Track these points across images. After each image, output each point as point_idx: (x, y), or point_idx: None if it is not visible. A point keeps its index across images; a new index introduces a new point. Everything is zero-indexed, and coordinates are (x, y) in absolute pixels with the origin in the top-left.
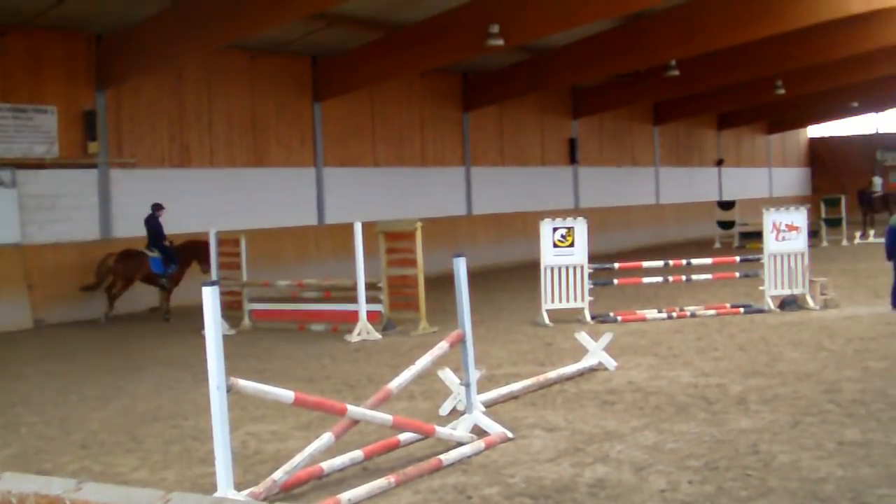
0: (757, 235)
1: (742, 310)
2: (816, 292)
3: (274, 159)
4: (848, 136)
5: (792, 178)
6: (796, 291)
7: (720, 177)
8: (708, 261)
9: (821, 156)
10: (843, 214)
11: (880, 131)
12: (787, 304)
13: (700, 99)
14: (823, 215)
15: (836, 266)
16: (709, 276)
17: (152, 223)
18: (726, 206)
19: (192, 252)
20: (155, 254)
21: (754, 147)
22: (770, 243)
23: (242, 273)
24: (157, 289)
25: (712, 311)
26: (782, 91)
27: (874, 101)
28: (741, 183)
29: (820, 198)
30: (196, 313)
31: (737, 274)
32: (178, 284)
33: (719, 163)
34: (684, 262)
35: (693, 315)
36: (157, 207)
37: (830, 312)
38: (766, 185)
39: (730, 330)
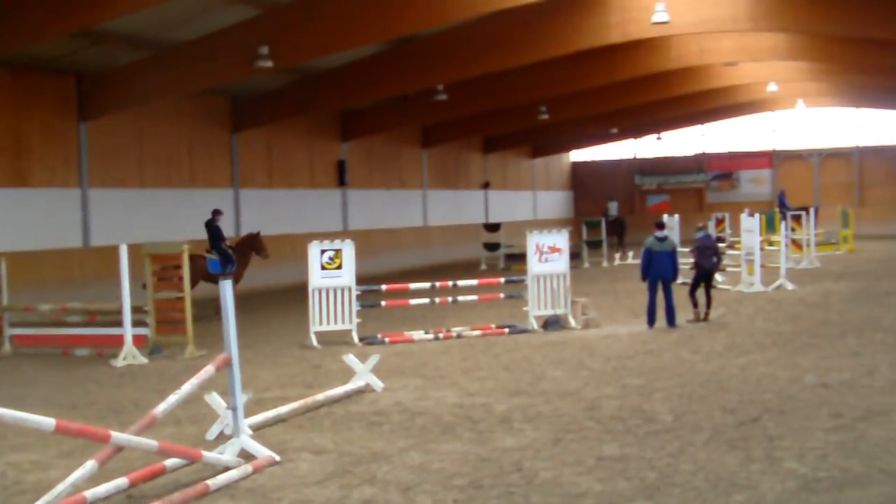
0: (521, 257)
1: (507, 330)
2: (578, 312)
3: (37, 180)
4: (608, 161)
5: (555, 201)
6: (559, 312)
7: (486, 199)
8: (474, 282)
9: (583, 179)
10: (604, 236)
11: (638, 156)
12: (550, 324)
13: (467, 122)
14: (585, 237)
15: (596, 287)
16: (475, 297)
17: (211, 227)
18: (492, 228)
19: (248, 245)
20: (213, 255)
21: (520, 170)
22: (533, 265)
23: (3, 296)
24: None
25: (478, 332)
26: (546, 116)
27: (632, 128)
28: (507, 205)
29: (582, 220)
30: None
31: (502, 295)
32: (240, 281)
33: (485, 186)
34: (451, 283)
35: (459, 336)
36: (215, 213)
37: (591, 332)
38: (531, 207)
39: (495, 350)
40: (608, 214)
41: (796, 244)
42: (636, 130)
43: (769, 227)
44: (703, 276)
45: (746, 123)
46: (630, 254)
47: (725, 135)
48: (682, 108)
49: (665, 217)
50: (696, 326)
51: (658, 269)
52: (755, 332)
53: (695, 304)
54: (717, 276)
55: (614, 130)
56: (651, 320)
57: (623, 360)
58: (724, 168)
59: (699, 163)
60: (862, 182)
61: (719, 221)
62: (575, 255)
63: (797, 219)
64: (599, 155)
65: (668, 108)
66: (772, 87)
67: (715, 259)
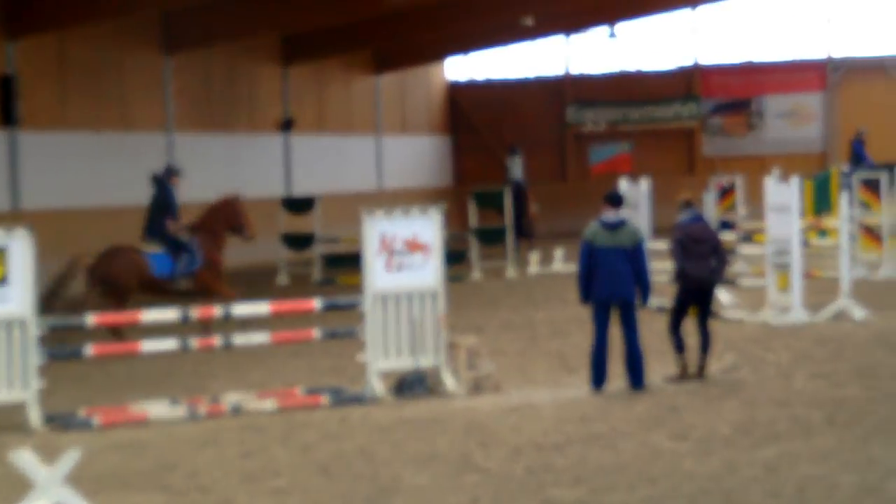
0: (353, 261)
1: (327, 398)
2: (461, 364)
3: None
4: (517, 81)
5: (419, 156)
6: (424, 363)
7: (288, 152)
8: (264, 308)
9: (470, 115)
10: (510, 221)
11: (573, 72)
12: (407, 385)
13: (249, 6)
14: (474, 224)
15: (496, 315)
16: (266, 336)
17: (162, 194)
18: (299, 206)
19: (220, 221)
20: (153, 248)
21: (351, 97)
22: (376, 275)
23: None
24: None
25: (272, 404)
26: None
27: (561, 15)
28: (327, 164)
29: (469, 192)
30: None
31: (317, 333)
32: (214, 287)
33: (287, 126)
34: (220, 312)
35: (237, 410)
36: (170, 172)
37: (486, 401)
38: (373, 167)
39: (304, 437)
40: (509, 178)
41: (871, 235)
42: (568, 20)
43: (821, 202)
44: (695, 296)
45: (775, 6)
46: (559, 255)
47: (735, 30)
48: None
49: (623, 184)
50: (684, 389)
51: (609, 282)
52: (793, 399)
53: (679, 348)
54: (722, 295)
55: (528, 22)
56: (599, 378)
57: (546, 455)
58: (734, 92)
59: (687, 82)
60: None
61: (725, 193)
62: (456, 257)
63: (871, 187)
64: (500, 69)
65: None
66: None
67: (715, 262)
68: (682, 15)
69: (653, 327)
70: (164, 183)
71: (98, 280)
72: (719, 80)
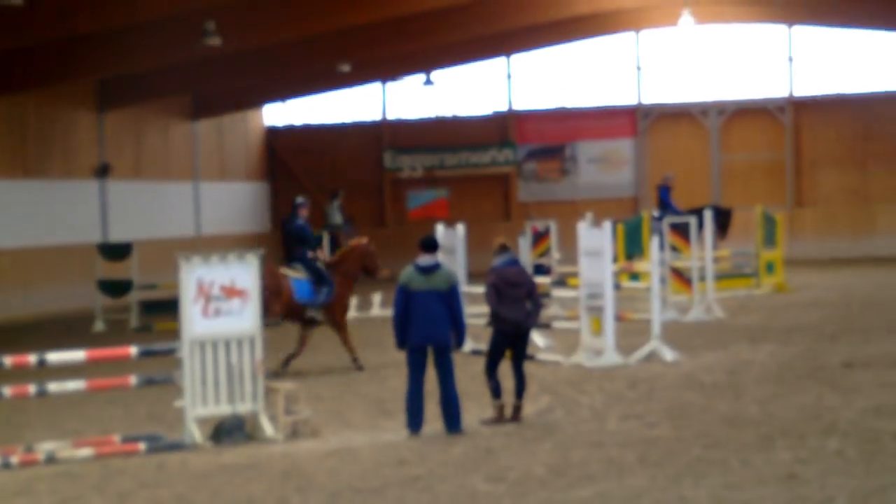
0: (170, 306)
1: (144, 446)
2: (279, 410)
3: None
4: (336, 126)
5: (236, 201)
6: (242, 409)
7: (104, 198)
8: (79, 355)
9: (289, 160)
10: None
11: (391, 118)
12: (225, 431)
13: (62, 51)
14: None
15: (315, 361)
16: (81, 383)
17: (293, 227)
18: (116, 252)
19: (357, 262)
20: (298, 272)
21: (168, 143)
22: (194, 321)
23: None
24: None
25: (88, 452)
26: (217, 41)
27: (378, 63)
28: (144, 209)
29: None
30: None
31: (133, 380)
32: (344, 316)
33: (103, 171)
34: (34, 359)
35: (52, 459)
36: (299, 206)
37: (304, 445)
38: (191, 213)
39: (121, 485)
40: (328, 223)
41: (681, 278)
42: (385, 68)
43: (632, 245)
44: (510, 339)
45: (587, 54)
46: (377, 300)
47: (549, 76)
48: (471, 25)
49: (439, 230)
50: (500, 432)
51: (425, 326)
52: (606, 440)
53: (495, 391)
54: (537, 338)
55: (346, 68)
56: (415, 422)
57: (363, 499)
58: (548, 138)
59: (502, 129)
60: (799, 162)
61: (540, 237)
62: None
63: (681, 232)
64: (319, 114)
65: (442, 25)
66: None
67: (531, 306)
68: (498, 62)
69: (469, 371)
70: (295, 215)
71: None
72: (534, 126)
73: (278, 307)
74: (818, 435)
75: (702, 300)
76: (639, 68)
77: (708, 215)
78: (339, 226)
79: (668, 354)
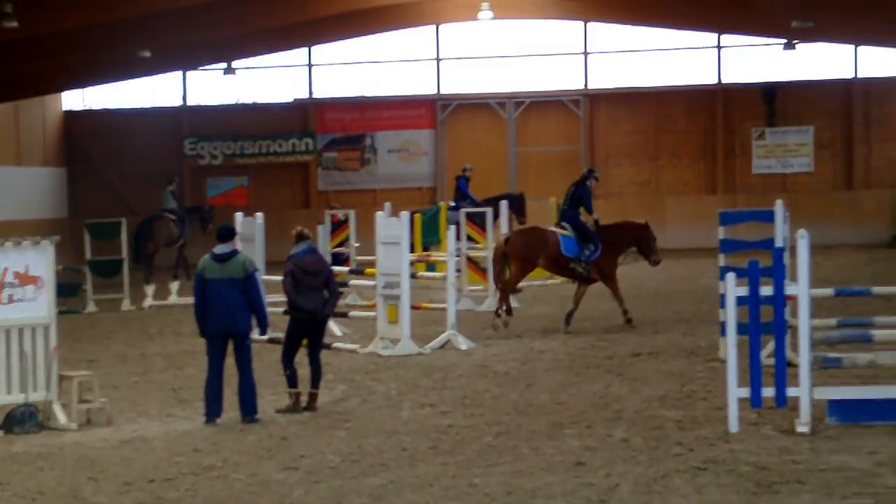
0: None
1: None
2: (73, 398)
3: None
4: (137, 111)
5: (33, 187)
6: (35, 397)
7: None
8: None
9: (87, 146)
10: (125, 253)
11: (190, 103)
12: (17, 420)
13: None
14: (89, 255)
15: (110, 348)
16: None
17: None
18: None
19: (632, 237)
20: (567, 231)
21: None
22: None
23: None
24: None
25: None
26: (14, 23)
27: (176, 50)
28: None
29: (85, 223)
30: None
31: None
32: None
33: None
34: None
35: None
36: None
37: (97, 434)
38: None
39: None
40: (165, 207)
41: (476, 268)
42: (185, 55)
43: (429, 234)
44: (307, 327)
45: (388, 45)
46: (175, 287)
47: (351, 67)
48: (272, 14)
49: (238, 218)
50: (295, 420)
51: (222, 314)
52: (400, 428)
53: (291, 379)
54: (334, 327)
55: (146, 54)
56: (213, 409)
57: (157, 489)
58: (348, 128)
59: (303, 117)
60: (593, 155)
61: (338, 226)
62: (70, 289)
63: (477, 222)
64: (120, 99)
65: (243, 13)
66: None
67: (328, 295)
68: (299, 51)
69: (266, 359)
70: (584, 182)
71: (511, 250)
72: (334, 116)
73: (544, 260)
74: (605, 423)
75: (497, 290)
76: (438, 60)
77: (504, 205)
78: (175, 210)
79: (463, 344)
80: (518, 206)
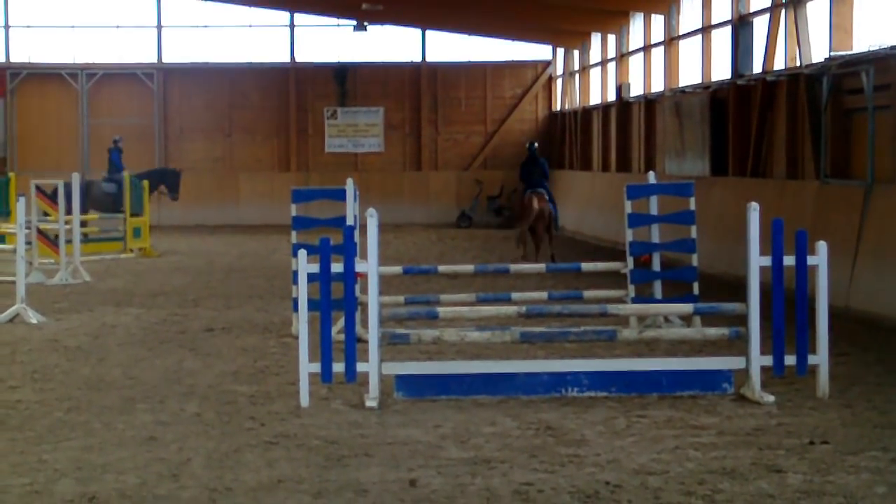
0: None
1: None
2: None
3: None
4: None
5: None
6: None
7: None
8: None
9: None
10: None
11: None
12: None
13: None
14: None
15: None
16: None
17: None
18: None
19: None
20: None
21: None
22: None
23: None
24: None
25: None
26: None
27: None
28: None
29: None
30: None
31: None
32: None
33: None
34: None
35: None
36: None
37: None
38: None
39: None
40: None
41: (48, 241)
42: None
43: None
44: None
45: None
46: None
47: None
48: None
49: None
50: None
51: None
52: None
53: None
54: None
55: None
56: None
57: None
58: None
59: None
60: (167, 129)
61: None
62: None
63: (49, 195)
64: None
65: None
66: None
67: None
68: None
69: None
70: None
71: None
72: None
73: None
74: (179, 398)
75: (69, 263)
76: (7, 27)
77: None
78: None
79: (33, 318)
80: (172, 182)
